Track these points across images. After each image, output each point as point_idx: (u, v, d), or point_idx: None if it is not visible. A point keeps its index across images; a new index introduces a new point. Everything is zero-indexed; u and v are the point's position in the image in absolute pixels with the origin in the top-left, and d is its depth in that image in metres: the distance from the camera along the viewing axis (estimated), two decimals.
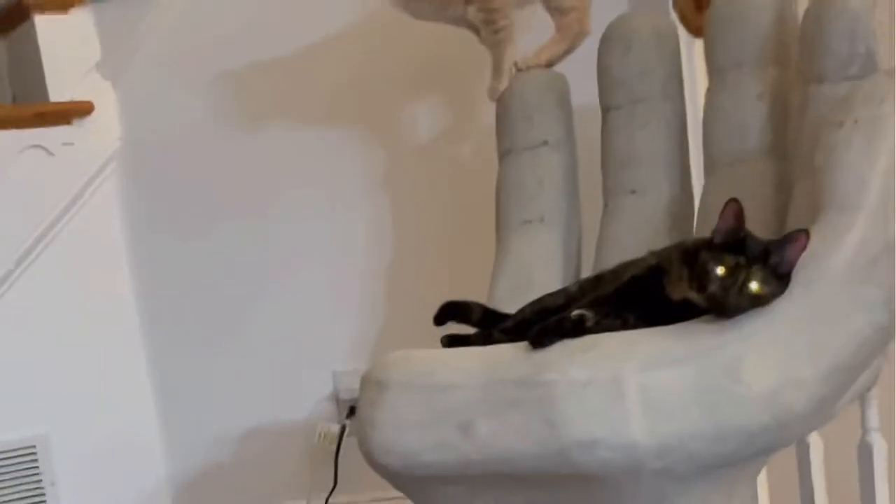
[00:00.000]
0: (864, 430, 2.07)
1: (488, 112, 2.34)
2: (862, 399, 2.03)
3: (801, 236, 1.54)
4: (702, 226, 2.05)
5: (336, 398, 2.94)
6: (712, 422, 1.52)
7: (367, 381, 1.78)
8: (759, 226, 1.90)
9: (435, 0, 2.32)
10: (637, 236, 2.13)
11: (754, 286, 1.53)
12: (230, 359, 3.01)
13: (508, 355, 1.66)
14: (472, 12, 2.31)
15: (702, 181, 2.13)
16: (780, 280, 1.55)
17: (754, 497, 1.74)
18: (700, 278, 1.55)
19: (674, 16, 2.50)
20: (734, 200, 1.56)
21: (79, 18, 2.97)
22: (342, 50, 2.84)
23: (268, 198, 2.96)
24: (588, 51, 2.23)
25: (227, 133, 2.94)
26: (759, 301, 1.54)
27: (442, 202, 2.84)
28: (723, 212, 1.56)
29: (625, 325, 1.64)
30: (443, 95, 2.80)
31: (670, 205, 2.16)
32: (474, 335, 1.85)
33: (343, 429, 2.89)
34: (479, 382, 1.64)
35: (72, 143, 2.95)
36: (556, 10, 2.30)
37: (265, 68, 2.90)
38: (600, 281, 1.84)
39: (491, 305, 2.12)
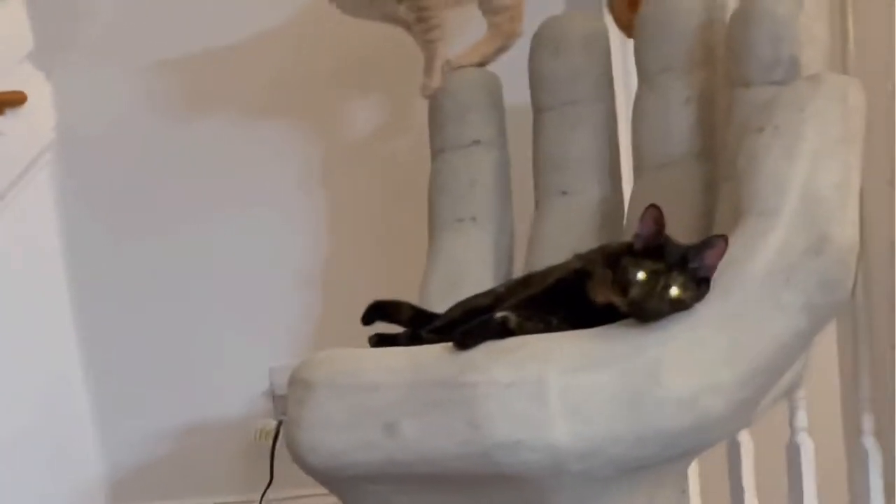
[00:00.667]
0: (793, 430, 2.10)
1: (423, 109, 2.34)
2: (790, 400, 2.06)
3: (719, 242, 1.55)
4: (631, 227, 2.05)
5: (272, 394, 2.93)
6: (633, 425, 1.53)
7: (294, 380, 1.78)
8: (687, 227, 1.94)
9: None
10: (568, 236, 2.14)
11: (674, 291, 1.54)
12: (166, 354, 2.99)
13: (434, 356, 1.66)
14: (403, 10, 2.31)
15: (632, 182, 2.15)
16: (699, 285, 1.56)
17: (680, 498, 1.75)
18: (621, 284, 1.56)
19: (608, 16, 2.51)
20: (654, 206, 1.57)
21: (11, 7, 2.92)
22: (278, 44, 2.83)
23: (204, 191, 2.94)
24: (522, 50, 2.24)
25: (164, 125, 2.92)
26: (679, 306, 1.55)
27: (377, 199, 2.83)
28: (642, 217, 1.57)
29: (549, 328, 1.64)
30: (378, 92, 2.79)
31: (600, 205, 2.17)
32: (402, 335, 1.85)
33: (279, 425, 2.88)
34: (404, 382, 1.64)
35: (4, 134, 2.91)
36: (489, 10, 2.30)
37: (202, 61, 2.88)
38: (528, 282, 1.85)
39: (422, 303, 2.13)
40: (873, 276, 2.07)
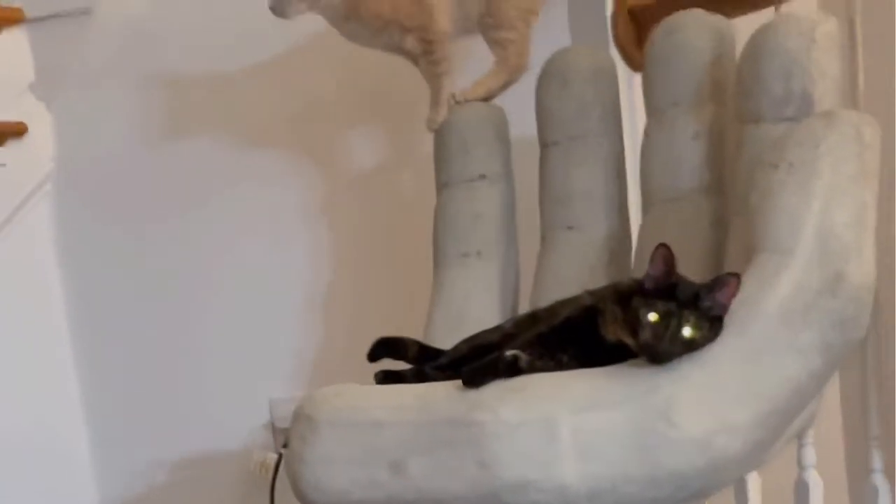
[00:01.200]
0: (801, 468, 2.08)
1: (429, 142, 2.32)
2: (799, 437, 2.04)
3: (731, 280, 1.54)
4: (639, 262, 2.05)
5: (272, 426, 2.91)
6: (645, 465, 1.51)
7: (297, 416, 1.76)
8: (696, 262, 1.93)
9: (371, 25, 2.31)
10: (574, 272, 2.12)
11: (687, 332, 1.52)
12: (165, 384, 2.97)
13: (441, 394, 1.64)
14: (410, 43, 2.30)
15: (640, 217, 2.13)
16: (713, 324, 1.54)
17: None
18: (632, 324, 1.54)
19: (615, 51, 2.50)
20: (664, 246, 1.55)
21: (12, 39, 2.93)
22: (282, 75, 2.82)
23: (205, 222, 2.92)
24: (528, 84, 2.23)
25: (164, 157, 2.92)
26: (692, 346, 1.53)
27: (382, 231, 2.82)
28: (652, 257, 1.55)
29: (559, 366, 1.63)
30: (384, 124, 2.78)
31: (608, 241, 2.15)
32: (408, 371, 1.84)
33: (280, 458, 2.85)
34: (411, 421, 1.62)
35: (4, 165, 2.91)
36: (495, 43, 2.29)
37: (203, 92, 2.87)
38: (535, 319, 1.84)
39: (427, 338, 2.12)
40: (880, 311, 2.05)
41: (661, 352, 1.53)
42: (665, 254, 1.55)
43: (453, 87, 2.30)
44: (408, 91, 2.59)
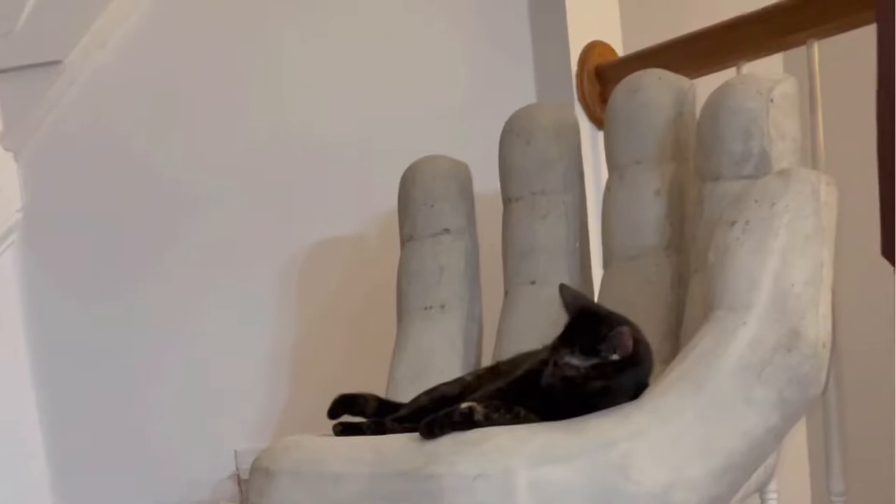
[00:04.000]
0: None
1: (394, 196, 2.33)
2: (760, 492, 2.04)
3: (621, 328, 1.58)
4: None
5: (238, 477, 2.88)
6: None
7: (255, 468, 1.75)
8: (656, 318, 1.94)
9: None
10: (536, 326, 2.12)
11: (570, 372, 1.58)
12: (131, 435, 2.95)
13: (398, 446, 1.63)
14: None
15: (602, 271, 2.14)
16: (614, 367, 1.58)
17: None
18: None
19: (580, 107, 2.53)
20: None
21: None
22: (247, 127, 2.84)
23: (174, 275, 2.92)
24: (492, 140, 2.24)
25: (132, 209, 2.92)
26: (581, 387, 1.58)
27: (346, 285, 2.82)
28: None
29: (515, 419, 1.62)
30: (349, 179, 2.79)
31: None
32: (367, 423, 1.83)
33: None
34: (368, 473, 1.62)
35: None
36: None
37: (171, 144, 2.88)
38: (497, 372, 1.85)
39: (390, 391, 2.12)
40: (840, 367, 2.07)
41: (557, 393, 1.61)
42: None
43: None
44: (374, 146, 2.62)
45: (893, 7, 1.82)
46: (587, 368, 1.58)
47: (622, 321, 1.63)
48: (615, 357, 1.58)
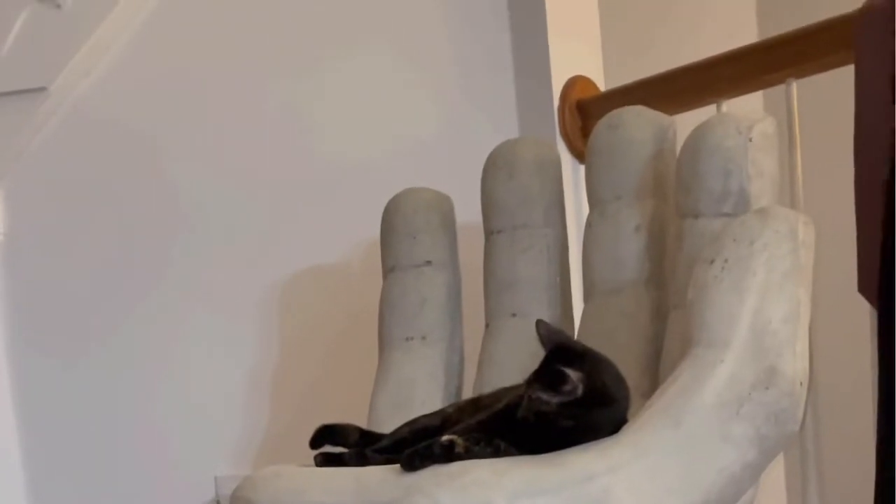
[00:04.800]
0: None
1: (376, 227, 2.35)
2: None
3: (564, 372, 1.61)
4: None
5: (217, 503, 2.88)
6: None
7: (236, 498, 1.76)
8: (636, 352, 1.96)
9: None
10: (517, 358, 2.13)
11: (543, 407, 1.60)
12: (110, 460, 2.93)
13: (378, 478, 1.64)
14: None
15: (582, 304, 2.16)
16: (580, 405, 1.60)
17: None
18: None
19: (562, 141, 2.55)
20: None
21: None
22: (229, 158, 2.85)
23: (155, 299, 2.91)
24: (475, 172, 2.26)
25: (113, 234, 2.91)
26: (554, 423, 1.60)
27: (329, 313, 2.83)
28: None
29: (496, 452, 1.63)
30: (331, 208, 2.81)
31: None
32: (348, 454, 1.84)
33: None
34: None
35: None
36: None
37: (152, 173, 2.89)
38: (478, 404, 1.86)
39: (371, 421, 2.13)
40: (818, 404, 2.09)
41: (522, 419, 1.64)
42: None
43: None
44: (358, 176, 2.64)
45: (871, 47, 1.85)
46: (557, 405, 1.60)
47: (595, 359, 1.65)
48: (578, 395, 1.60)
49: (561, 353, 1.65)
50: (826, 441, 2.15)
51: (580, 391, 1.60)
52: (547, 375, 1.62)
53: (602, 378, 1.64)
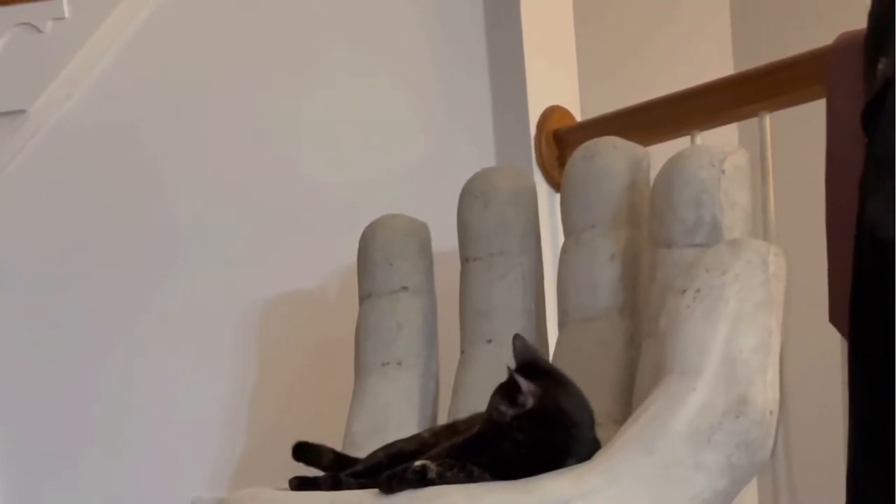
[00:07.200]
0: None
1: (353, 253, 2.36)
2: None
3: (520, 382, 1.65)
4: None
5: None
6: None
7: None
8: (610, 379, 1.98)
9: None
10: (492, 384, 2.09)
11: (497, 416, 1.65)
12: (87, 481, 2.94)
13: (354, 502, 1.65)
14: None
15: (557, 331, 2.18)
16: (532, 420, 1.64)
17: None
18: None
19: (538, 171, 2.58)
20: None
21: None
22: (209, 183, 2.87)
23: (134, 322, 2.93)
24: (451, 200, 2.28)
25: (94, 257, 2.93)
26: (508, 434, 1.64)
27: (305, 338, 2.84)
28: None
29: (469, 477, 1.64)
30: (309, 235, 2.82)
31: None
32: (322, 478, 1.84)
33: None
34: None
35: None
36: None
37: (132, 196, 2.91)
38: (454, 429, 1.88)
39: (346, 446, 2.14)
40: (789, 432, 2.11)
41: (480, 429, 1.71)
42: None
43: None
44: (335, 203, 2.65)
45: (842, 82, 1.88)
46: (512, 417, 1.63)
47: (558, 380, 1.70)
48: (528, 408, 1.63)
49: (526, 368, 1.69)
50: (797, 469, 2.17)
51: (530, 403, 1.63)
52: (505, 386, 1.66)
53: (558, 397, 1.67)
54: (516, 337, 1.75)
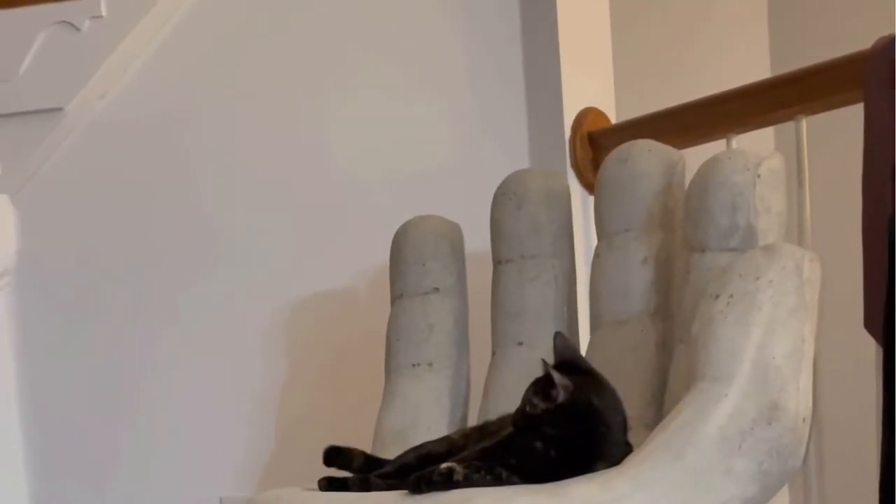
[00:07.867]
0: None
1: (385, 254, 2.36)
2: None
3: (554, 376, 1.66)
4: None
5: None
6: None
7: None
8: (641, 382, 1.97)
9: None
10: (522, 386, 2.10)
11: (530, 409, 1.67)
12: (114, 480, 2.95)
13: None
14: None
15: (588, 334, 2.17)
16: (562, 415, 1.65)
17: None
18: None
19: (572, 174, 2.57)
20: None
21: None
22: (242, 182, 2.88)
23: (163, 322, 2.94)
24: (484, 202, 2.27)
25: (126, 256, 2.94)
26: (538, 428, 1.66)
27: (336, 339, 2.84)
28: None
29: (497, 480, 1.64)
30: (339, 236, 2.82)
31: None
32: (352, 479, 1.84)
33: None
34: None
35: None
36: None
37: (167, 195, 2.92)
38: (484, 431, 1.87)
39: (375, 446, 2.13)
40: (822, 440, 2.09)
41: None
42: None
43: None
44: (367, 203, 2.65)
45: (880, 86, 1.86)
46: (543, 410, 1.65)
47: (594, 379, 1.70)
48: (559, 402, 1.64)
49: (564, 365, 1.70)
50: (830, 477, 2.15)
51: (562, 397, 1.64)
52: (540, 381, 1.67)
53: (591, 395, 1.67)
54: (557, 335, 1.76)
